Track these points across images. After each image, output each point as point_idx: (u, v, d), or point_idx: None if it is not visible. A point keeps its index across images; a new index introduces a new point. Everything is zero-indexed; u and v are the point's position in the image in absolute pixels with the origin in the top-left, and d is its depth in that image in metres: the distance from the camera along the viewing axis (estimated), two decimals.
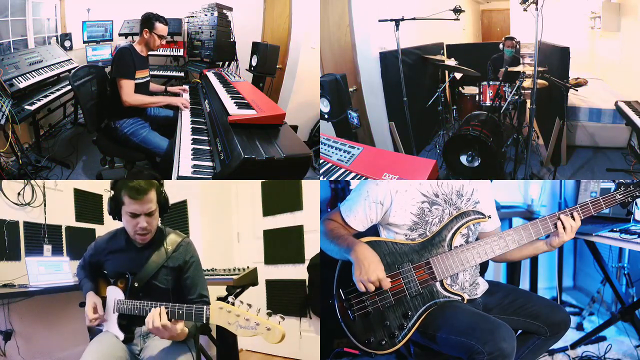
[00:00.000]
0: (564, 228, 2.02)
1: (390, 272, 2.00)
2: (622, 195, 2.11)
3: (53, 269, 3.40)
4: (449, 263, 2.01)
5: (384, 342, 2.00)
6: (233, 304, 1.66)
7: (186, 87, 4.01)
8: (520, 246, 2.06)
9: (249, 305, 1.65)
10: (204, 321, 1.73)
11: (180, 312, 1.82)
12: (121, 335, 2.07)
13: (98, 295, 2.17)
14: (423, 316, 2.00)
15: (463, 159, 4.01)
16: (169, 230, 2.21)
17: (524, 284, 3.75)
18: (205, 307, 1.73)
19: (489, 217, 2.11)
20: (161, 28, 3.42)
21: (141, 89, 3.47)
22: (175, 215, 4.27)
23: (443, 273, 2.01)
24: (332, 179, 2.77)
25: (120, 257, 2.17)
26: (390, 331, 2.00)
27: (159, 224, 2.18)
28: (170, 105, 3.62)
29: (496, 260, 2.23)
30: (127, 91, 3.32)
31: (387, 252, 2.03)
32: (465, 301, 2.05)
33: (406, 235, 2.08)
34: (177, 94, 3.90)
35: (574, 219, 2.03)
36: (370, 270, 1.92)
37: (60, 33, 4.98)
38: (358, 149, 2.87)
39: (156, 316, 1.82)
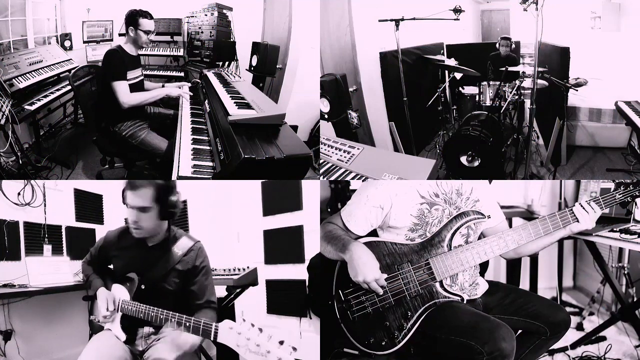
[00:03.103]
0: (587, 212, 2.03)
1: (390, 272, 2.00)
2: (621, 195, 2.11)
3: (53, 269, 3.40)
4: (448, 263, 2.01)
5: (384, 343, 2.00)
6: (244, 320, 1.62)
7: (186, 82, 4.00)
8: (535, 239, 2.06)
9: (260, 330, 1.58)
10: (212, 339, 1.69)
11: (188, 324, 1.80)
12: (123, 336, 2.06)
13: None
14: (423, 317, 2.00)
15: (463, 159, 4.00)
16: (180, 233, 2.22)
17: (524, 283, 3.75)
18: (213, 324, 1.70)
19: (489, 217, 2.11)
20: (146, 23, 3.35)
21: (135, 88, 3.44)
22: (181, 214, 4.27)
23: (442, 273, 2.01)
24: (332, 179, 2.77)
25: (129, 255, 2.19)
26: (390, 332, 2.00)
27: (172, 227, 2.20)
28: (171, 98, 3.59)
29: (511, 257, 2.24)
30: (123, 92, 3.29)
31: (387, 253, 2.03)
32: (464, 301, 2.05)
33: (406, 237, 2.08)
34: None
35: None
36: (365, 270, 1.93)
37: (60, 33, 4.98)
38: (358, 149, 2.87)
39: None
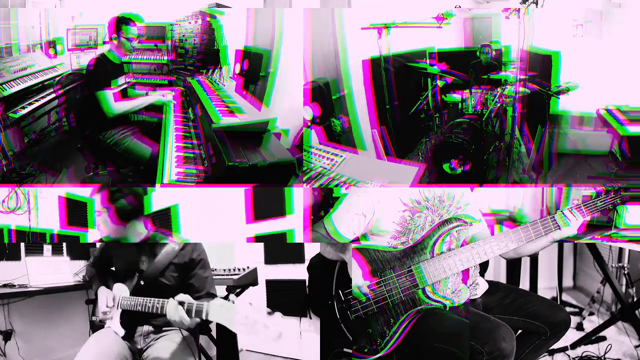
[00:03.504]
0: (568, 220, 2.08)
1: (373, 279, 2.02)
2: (602, 203, 2.15)
3: (53, 269, 3.40)
4: (431, 270, 2.03)
5: (366, 350, 2.02)
6: (234, 302, 1.67)
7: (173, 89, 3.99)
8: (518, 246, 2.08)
9: (250, 304, 1.64)
10: (204, 317, 1.73)
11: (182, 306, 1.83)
12: (122, 331, 2.09)
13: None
14: (405, 323, 2.01)
15: (447, 166, 4.03)
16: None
17: (524, 283, 3.76)
18: (205, 303, 1.74)
19: (471, 224, 2.13)
20: (131, 29, 3.36)
21: (120, 97, 3.42)
22: (166, 220, 4.26)
23: (425, 280, 2.03)
24: (319, 184, 2.78)
25: (128, 253, 2.24)
26: (372, 339, 2.01)
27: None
28: (157, 105, 3.56)
29: (511, 256, 2.26)
30: (107, 102, 3.28)
31: (371, 260, 2.05)
32: (447, 309, 2.07)
33: (389, 244, 2.09)
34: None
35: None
36: None
37: (46, 40, 4.95)
38: (345, 155, 2.89)
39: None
